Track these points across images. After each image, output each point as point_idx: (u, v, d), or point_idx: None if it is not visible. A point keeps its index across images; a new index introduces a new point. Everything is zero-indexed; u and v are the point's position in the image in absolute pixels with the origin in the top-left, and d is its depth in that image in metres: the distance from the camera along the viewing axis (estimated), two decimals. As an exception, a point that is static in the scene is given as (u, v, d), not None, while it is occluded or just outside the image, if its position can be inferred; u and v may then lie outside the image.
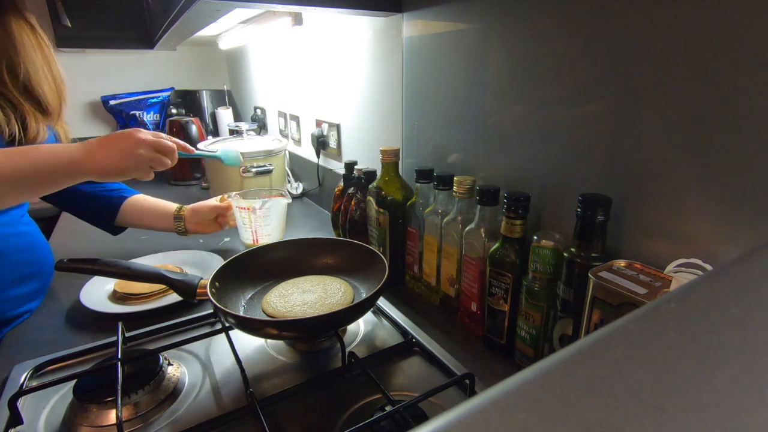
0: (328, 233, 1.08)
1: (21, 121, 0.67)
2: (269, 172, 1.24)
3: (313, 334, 0.61)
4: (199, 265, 0.89)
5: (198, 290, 0.63)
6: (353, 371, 0.57)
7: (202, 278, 0.65)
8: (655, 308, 0.16)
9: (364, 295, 0.67)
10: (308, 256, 0.76)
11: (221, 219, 0.98)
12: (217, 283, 0.63)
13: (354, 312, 0.59)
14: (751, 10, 0.37)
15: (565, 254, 0.50)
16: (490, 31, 0.64)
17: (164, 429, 0.49)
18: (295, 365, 0.60)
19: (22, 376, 0.56)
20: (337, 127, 1.16)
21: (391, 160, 0.79)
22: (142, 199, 0.97)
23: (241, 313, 0.64)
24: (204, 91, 1.96)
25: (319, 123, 1.26)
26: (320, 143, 1.24)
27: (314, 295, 0.65)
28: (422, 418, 0.49)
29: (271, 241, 0.98)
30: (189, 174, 1.64)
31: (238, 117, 2.06)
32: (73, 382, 0.53)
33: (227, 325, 0.62)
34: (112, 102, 1.84)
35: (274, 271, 0.73)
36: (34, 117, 0.68)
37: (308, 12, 1.07)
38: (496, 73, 0.64)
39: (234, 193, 0.96)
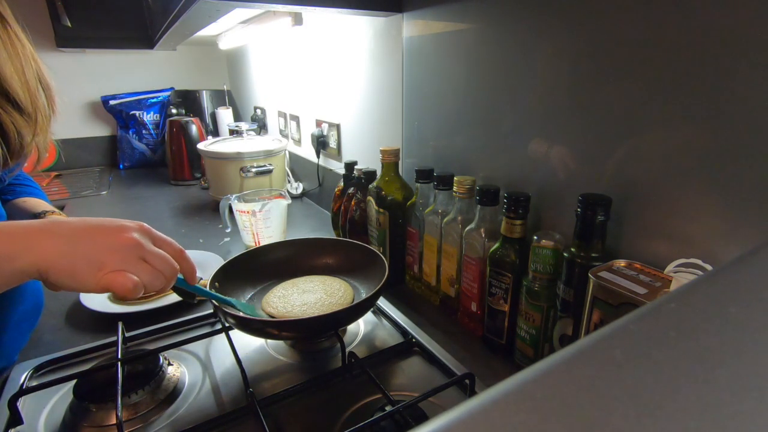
0: (328, 233, 1.08)
1: None
2: (269, 172, 1.24)
3: (313, 334, 0.61)
4: (199, 265, 0.88)
5: None
6: (353, 371, 0.57)
7: (201, 278, 0.64)
8: (655, 308, 0.16)
9: (364, 295, 0.67)
10: (308, 256, 0.76)
11: None
12: (216, 283, 0.63)
13: (354, 312, 0.59)
14: (753, 11, 0.37)
15: (565, 254, 0.50)
16: (490, 31, 0.64)
17: (164, 429, 0.49)
18: (295, 365, 0.60)
19: (22, 376, 0.56)
20: (337, 127, 1.16)
21: (391, 160, 0.79)
22: (22, 201, 0.77)
23: (241, 314, 0.64)
24: (204, 91, 1.96)
25: (319, 123, 1.26)
26: (320, 143, 1.24)
27: (314, 295, 0.65)
28: (422, 418, 0.49)
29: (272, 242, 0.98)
30: (189, 174, 1.64)
31: (238, 117, 2.06)
32: (73, 382, 0.53)
33: (227, 325, 0.62)
34: (112, 102, 1.84)
35: (274, 271, 0.73)
36: (10, 118, 0.53)
37: (308, 12, 1.07)
38: (496, 73, 0.64)
39: (233, 195, 0.96)
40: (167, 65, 1.99)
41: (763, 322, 0.15)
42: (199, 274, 0.67)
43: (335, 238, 0.80)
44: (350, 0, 0.75)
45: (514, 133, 0.63)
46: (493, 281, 0.59)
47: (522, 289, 0.56)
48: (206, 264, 0.89)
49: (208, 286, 0.60)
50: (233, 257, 0.69)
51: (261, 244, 0.95)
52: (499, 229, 0.58)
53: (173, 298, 0.76)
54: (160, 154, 1.92)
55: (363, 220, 0.84)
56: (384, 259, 0.66)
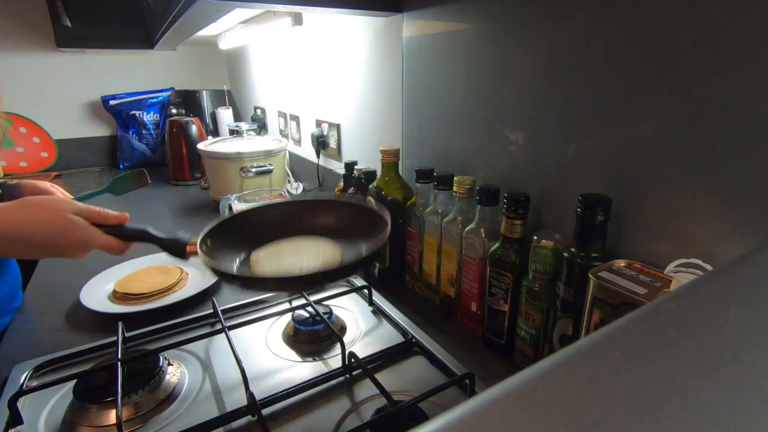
0: (328, 233, 1.08)
1: None
2: (269, 172, 1.24)
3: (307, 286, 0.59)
4: (199, 264, 0.89)
5: (188, 247, 0.58)
6: (353, 371, 0.57)
7: (193, 236, 0.59)
8: (655, 308, 0.16)
9: (365, 253, 0.61)
10: (307, 216, 0.69)
11: None
12: (208, 241, 0.59)
13: (345, 271, 0.56)
14: (752, 14, 0.37)
15: (565, 254, 0.50)
16: (490, 31, 0.64)
17: (164, 429, 0.49)
18: (295, 365, 0.60)
19: (22, 376, 0.56)
20: (337, 127, 1.16)
21: (391, 160, 0.79)
22: None
23: (234, 271, 0.58)
24: (204, 91, 1.96)
25: (319, 123, 1.26)
26: (320, 143, 1.24)
27: (303, 256, 0.61)
28: (422, 418, 0.49)
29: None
30: (189, 174, 1.64)
31: (238, 117, 2.06)
32: (73, 382, 0.54)
33: (229, 324, 0.62)
34: (112, 102, 1.84)
35: (267, 232, 0.67)
36: None
37: (308, 12, 1.07)
38: (496, 73, 0.64)
39: (233, 195, 0.96)
40: (167, 65, 1.99)
41: (763, 322, 0.15)
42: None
43: (332, 198, 0.73)
44: (350, 0, 0.75)
45: (515, 133, 0.63)
46: (493, 281, 0.59)
47: (522, 289, 0.56)
48: (206, 264, 0.89)
49: (198, 245, 0.56)
50: (227, 217, 0.65)
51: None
52: (499, 229, 0.58)
53: (173, 297, 0.76)
54: (160, 154, 1.92)
55: (363, 220, 0.84)
56: (385, 218, 0.60)
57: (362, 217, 0.65)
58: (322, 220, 0.70)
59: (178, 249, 0.58)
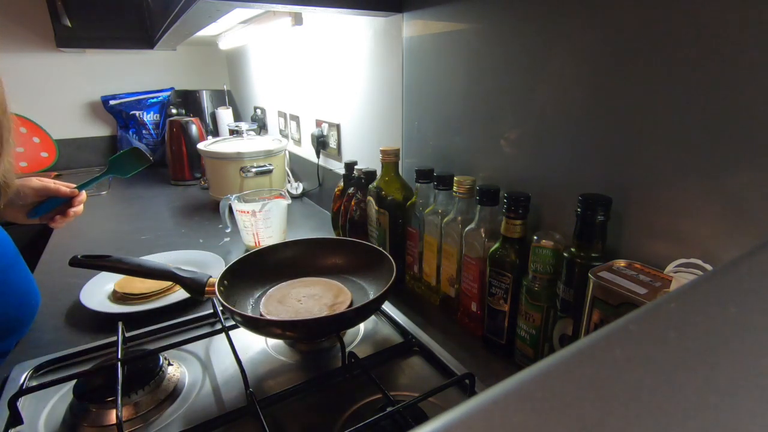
0: (328, 233, 1.08)
1: None
2: (269, 172, 1.24)
3: (317, 335, 0.61)
4: (198, 265, 0.89)
5: (206, 288, 0.62)
6: (353, 371, 0.57)
7: (210, 276, 0.64)
8: (655, 308, 0.16)
9: (372, 295, 0.67)
10: (316, 256, 0.76)
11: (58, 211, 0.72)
12: (225, 282, 0.63)
13: (360, 314, 0.59)
14: (755, 14, 0.37)
15: (565, 254, 0.50)
16: (490, 31, 0.64)
17: (164, 429, 0.49)
18: (295, 365, 0.60)
19: (22, 376, 0.56)
20: (337, 127, 1.16)
21: (391, 160, 0.79)
22: None
23: (249, 313, 0.63)
24: (204, 91, 1.96)
25: (319, 123, 1.26)
26: (320, 143, 1.24)
27: (314, 299, 0.65)
28: (422, 418, 0.49)
29: (272, 243, 0.97)
30: (189, 174, 1.64)
31: (238, 117, 2.06)
32: (73, 382, 0.54)
33: (229, 324, 0.62)
34: (112, 102, 1.84)
35: (282, 270, 0.73)
36: None
37: (308, 12, 1.07)
38: (496, 73, 0.64)
39: (233, 195, 0.96)
40: (167, 65, 1.99)
41: (763, 322, 0.15)
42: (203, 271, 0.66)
43: (344, 238, 0.80)
44: (350, 0, 0.75)
45: (514, 133, 0.63)
46: (493, 281, 0.59)
47: (522, 289, 0.56)
48: (206, 264, 0.89)
49: (216, 285, 0.61)
50: (242, 257, 0.69)
51: (261, 245, 0.95)
52: (499, 229, 0.58)
53: (173, 297, 0.76)
54: (160, 154, 1.92)
55: (363, 220, 0.84)
56: (391, 260, 0.66)
57: (369, 257, 0.72)
58: (331, 260, 0.76)
59: (197, 289, 0.62)
